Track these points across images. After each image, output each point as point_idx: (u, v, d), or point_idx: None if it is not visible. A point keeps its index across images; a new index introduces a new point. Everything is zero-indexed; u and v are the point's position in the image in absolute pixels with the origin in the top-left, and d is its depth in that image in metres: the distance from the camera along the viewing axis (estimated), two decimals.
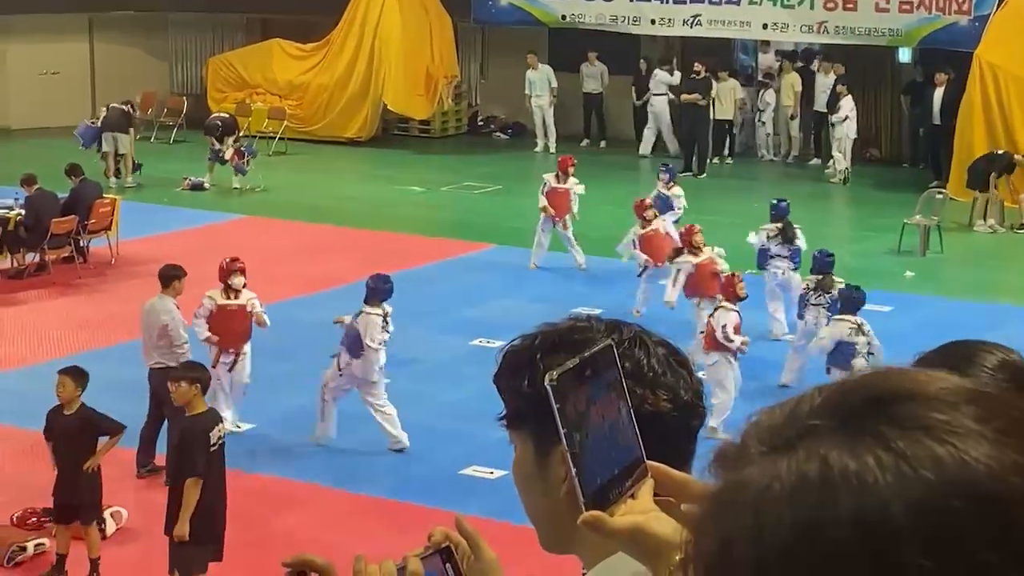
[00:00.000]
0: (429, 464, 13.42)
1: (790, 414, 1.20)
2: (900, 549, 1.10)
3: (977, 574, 1.09)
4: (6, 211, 19.80)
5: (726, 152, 28.30)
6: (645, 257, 17.53)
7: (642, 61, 29.17)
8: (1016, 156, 23.17)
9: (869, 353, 13.96)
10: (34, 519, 12.07)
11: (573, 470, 1.70)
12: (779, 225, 17.05)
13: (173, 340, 13.12)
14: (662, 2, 27.47)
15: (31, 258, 19.84)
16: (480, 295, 18.65)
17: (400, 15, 28.96)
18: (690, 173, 26.77)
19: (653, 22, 27.70)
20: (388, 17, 28.97)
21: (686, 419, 2.15)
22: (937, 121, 25.85)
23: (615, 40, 28.08)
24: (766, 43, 29.65)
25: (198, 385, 10.75)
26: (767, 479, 1.15)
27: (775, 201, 17.71)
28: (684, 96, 27.46)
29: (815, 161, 28.04)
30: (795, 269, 16.83)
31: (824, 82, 27.51)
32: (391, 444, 13.68)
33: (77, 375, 11.34)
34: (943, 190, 22.96)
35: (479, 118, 31.65)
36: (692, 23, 27.33)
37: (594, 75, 29.42)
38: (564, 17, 28.23)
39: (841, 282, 15.18)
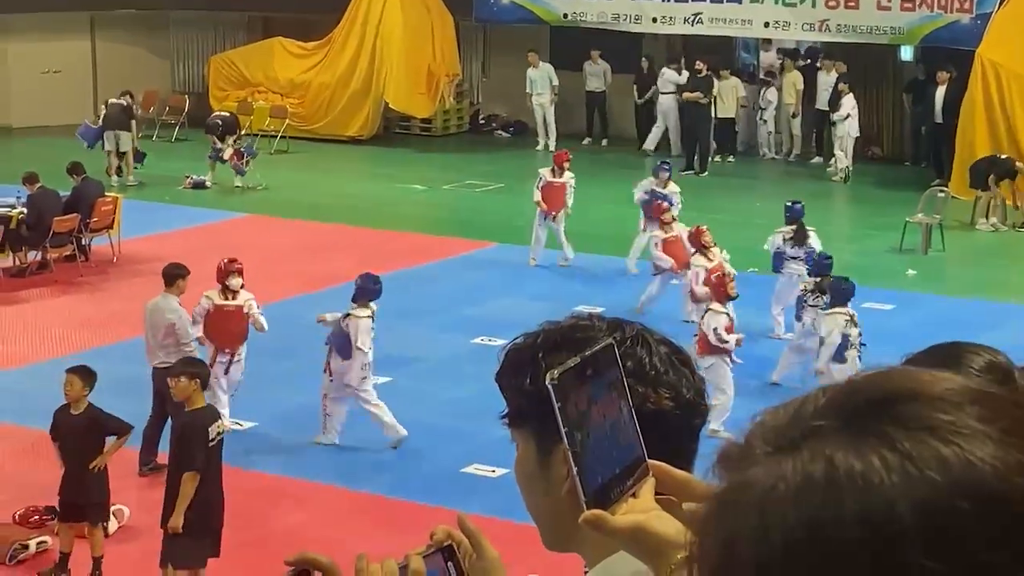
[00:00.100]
0: (431, 462, 13.42)
1: (794, 415, 1.20)
2: (906, 549, 1.10)
3: (983, 574, 1.09)
4: (8, 210, 19.80)
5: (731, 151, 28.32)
6: (672, 262, 17.36)
7: (644, 59, 29.16)
8: (1018, 163, 23.12)
9: (863, 344, 14.03)
10: (36, 517, 12.08)
11: (574, 469, 1.70)
12: (794, 227, 16.99)
13: (180, 338, 13.12)
14: (663, 0, 27.47)
15: (33, 256, 19.85)
16: (481, 293, 18.65)
17: (402, 13, 28.96)
18: (692, 171, 26.79)
19: (654, 20, 27.69)
20: (390, 15, 28.97)
21: (688, 417, 2.15)
22: (939, 119, 25.84)
23: (617, 38, 28.08)
24: (768, 41, 29.64)
25: (197, 380, 10.76)
26: (772, 479, 1.15)
27: (790, 203, 17.60)
28: (686, 94, 27.47)
29: (817, 159, 28.02)
30: (811, 274, 16.72)
31: (826, 80, 27.50)
32: (388, 433, 13.64)
33: (85, 374, 11.33)
34: (945, 188, 22.95)
35: (481, 116, 31.65)
36: (693, 21, 27.32)
37: (597, 73, 29.42)
38: (566, 15, 28.23)
39: None
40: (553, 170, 20.03)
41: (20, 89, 30.43)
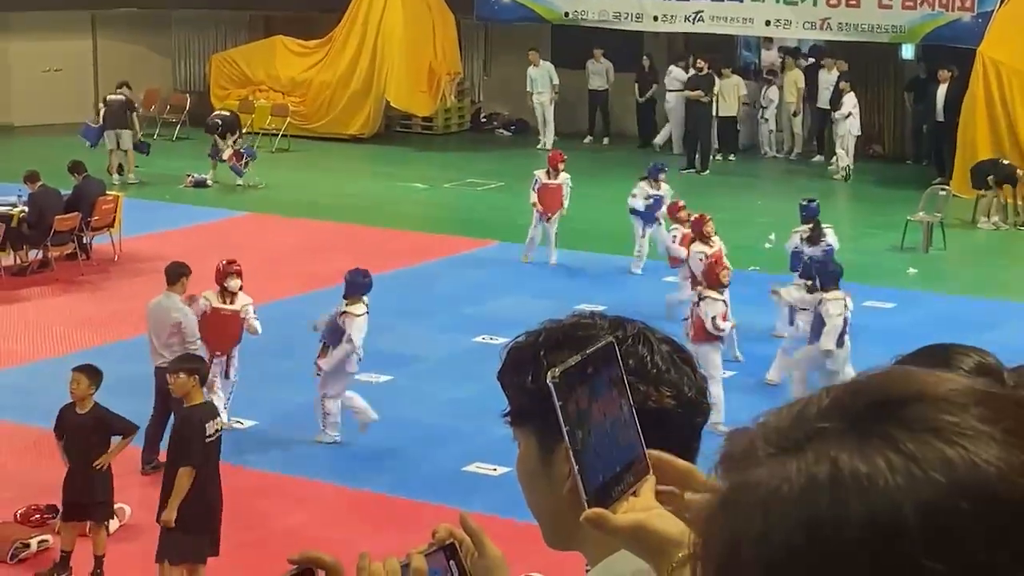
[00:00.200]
0: (432, 461, 13.42)
1: (797, 415, 1.20)
2: (911, 551, 1.10)
3: (983, 574, 1.09)
4: (9, 208, 19.80)
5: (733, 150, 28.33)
6: (687, 253, 17.31)
7: (645, 58, 29.17)
8: (1020, 171, 23.11)
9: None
10: (38, 516, 12.08)
11: (575, 467, 1.70)
12: (810, 226, 16.94)
13: (186, 337, 13.11)
14: None
15: (34, 255, 19.85)
16: (482, 292, 18.64)
17: (403, 12, 28.96)
18: (693, 170, 26.80)
19: (655, 19, 27.69)
20: (391, 14, 28.97)
21: (690, 416, 2.15)
22: (940, 118, 25.84)
23: (618, 37, 28.08)
24: (769, 40, 29.63)
25: (196, 376, 10.77)
26: (776, 480, 1.15)
27: (804, 201, 17.55)
28: (687, 93, 27.47)
29: (818, 158, 28.02)
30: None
31: (827, 79, 27.50)
32: (358, 415, 13.66)
33: (91, 373, 11.32)
34: (946, 187, 22.95)
35: (482, 115, 31.66)
36: (694, 19, 27.32)
37: (599, 72, 29.43)
38: (567, 14, 28.23)
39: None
40: (548, 172, 20.04)
41: (21, 88, 30.44)
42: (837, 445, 1.15)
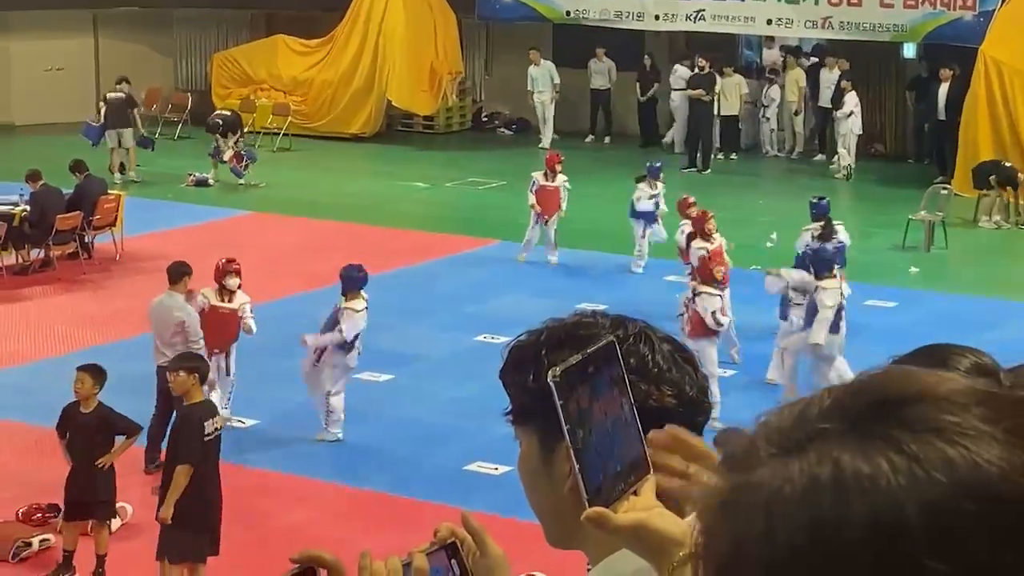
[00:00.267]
0: (433, 460, 13.42)
1: (799, 416, 1.20)
2: (913, 551, 1.10)
3: (985, 574, 1.09)
4: (11, 207, 19.80)
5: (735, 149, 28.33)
6: None
7: (646, 57, 29.16)
8: (1020, 175, 23.09)
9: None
10: (39, 515, 12.09)
11: (576, 466, 1.70)
12: (821, 224, 16.92)
13: (189, 336, 13.12)
14: None
15: (36, 254, 19.85)
16: (484, 291, 18.64)
17: (404, 11, 28.96)
18: (694, 169, 26.80)
19: (657, 18, 27.69)
20: (392, 13, 28.97)
21: (691, 415, 2.15)
22: (942, 117, 25.83)
23: (620, 36, 28.08)
24: (771, 39, 29.63)
25: (196, 375, 10.77)
26: (779, 481, 1.16)
27: (815, 199, 17.51)
28: (688, 92, 27.47)
29: (819, 157, 28.01)
30: (841, 267, 16.63)
31: (829, 77, 27.49)
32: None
33: (96, 372, 11.31)
34: (948, 186, 22.95)
35: (483, 114, 31.66)
36: (695, 18, 27.31)
37: (602, 71, 29.43)
38: (568, 13, 28.22)
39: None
40: (546, 173, 20.04)
41: (23, 87, 30.44)
42: (839, 446, 1.15)
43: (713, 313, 14.03)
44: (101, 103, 26.21)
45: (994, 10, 24.69)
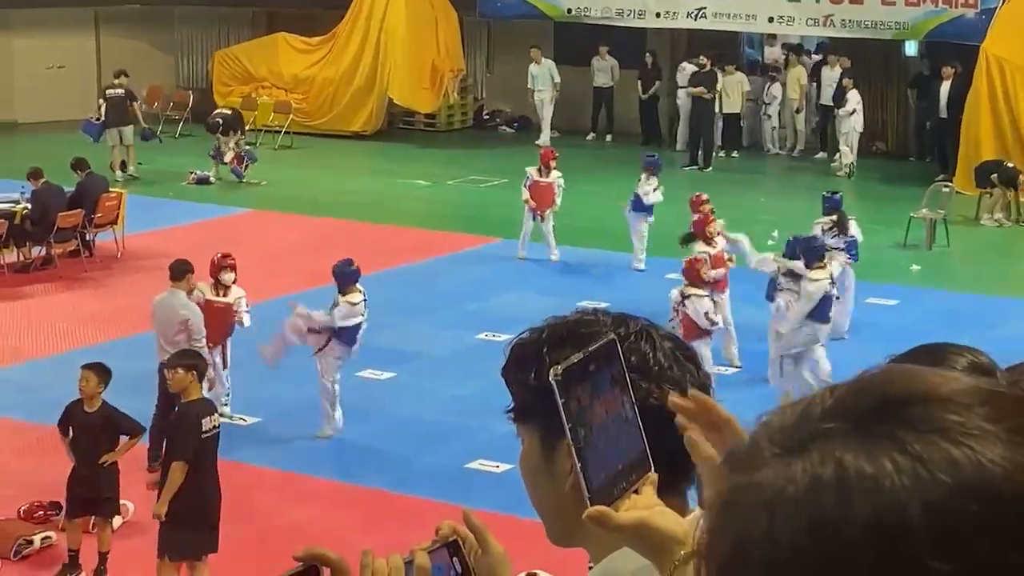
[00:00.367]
0: (435, 458, 13.42)
1: (801, 416, 1.20)
2: (916, 551, 1.10)
3: (988, 574, 1.09)
4: (12, 205, 19.81)
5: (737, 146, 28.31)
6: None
7: (647, 55, 29.16)
8: (1022, 176, 23.07)
9: (837, 297, 14.47)
10: (41, 512, 12.09)
11: (577, 464, 1.70)
12: (834, 217, 16.90)
13: (193, 334, 13.13)
14: None
15: (37, 252, 19.86)
16: (485, 289, 18.64)
17: (406, 9, 28.96)
18: (696, 167, 26.79)
19: (658, 15, 27.69)
20: (394, 11, 28.97)
21: None
22: (943, 114, 25.83)
23: (622, 34, 28.08)
24: (772, 36, 29.62)
25: (194, 372, 10.77)
26: (781, 481, 1.15)
27: (827, 193, 17.49)
28: (690, 89, 27.47)
29: (821, 155, 28.01)
30: (854, 261, 16.62)
31: (830, 75, 27.49)
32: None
33: (101, 371, 11.31)
34: (949, 184, 22.94)
35: (484, 112, 31.66)
36: (697, 16, 27.31)
37: (604, 69, 29.43)
38: (569, 11, 28.23)
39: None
40: (540, 169, 20.04)
41: (24, 84, 30.45)
42: (842, 446, 1.15)
43: (706, 314, 14.06)
44: (101, 100, 26.21)
45: (996, 8, 24.68)
